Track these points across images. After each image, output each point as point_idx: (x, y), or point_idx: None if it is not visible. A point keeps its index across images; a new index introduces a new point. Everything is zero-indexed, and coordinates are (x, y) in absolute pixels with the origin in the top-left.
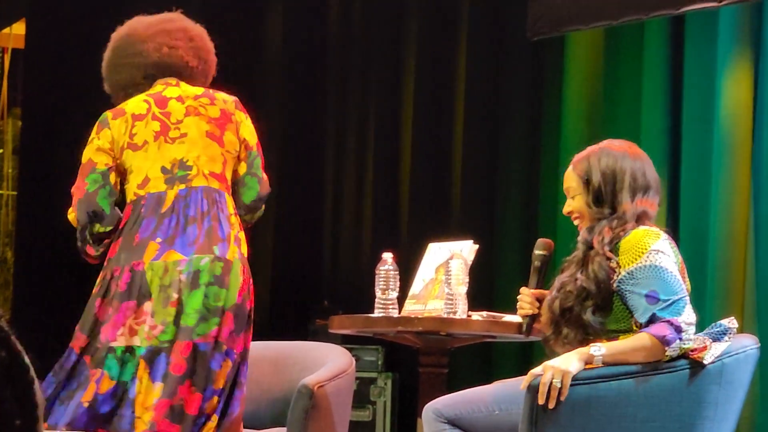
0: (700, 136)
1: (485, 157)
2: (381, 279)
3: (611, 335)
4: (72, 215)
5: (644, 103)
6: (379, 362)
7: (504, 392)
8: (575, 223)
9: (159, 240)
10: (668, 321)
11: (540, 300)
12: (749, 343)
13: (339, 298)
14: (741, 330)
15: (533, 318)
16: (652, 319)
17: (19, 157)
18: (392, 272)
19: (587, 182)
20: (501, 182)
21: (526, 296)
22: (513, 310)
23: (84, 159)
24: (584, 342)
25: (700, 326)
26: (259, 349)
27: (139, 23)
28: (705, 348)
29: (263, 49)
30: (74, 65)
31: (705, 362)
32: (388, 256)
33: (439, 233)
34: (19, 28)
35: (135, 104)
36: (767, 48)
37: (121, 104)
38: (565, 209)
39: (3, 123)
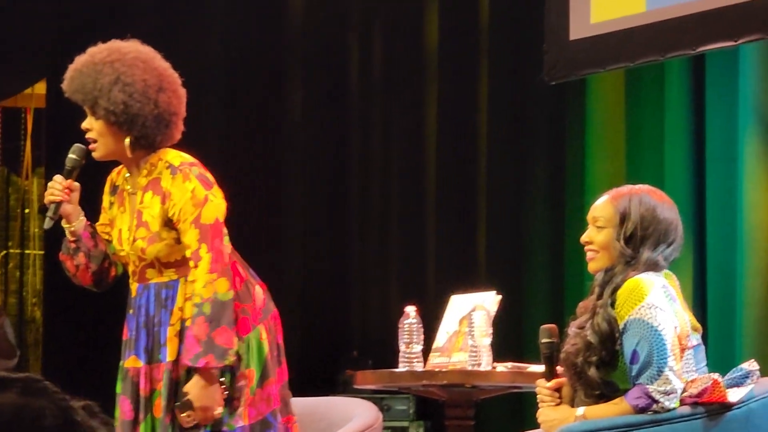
0: (724, 173)
1: (510, 204)
2: (405, 333)
3: (622, 395)
4: (225, 283)
5: (667, 143)
6: (411, 411)
7: None
8: (588, 255)
9: None
10: (642, 387)
11: (559, 390)
12: None
13: (368, 349)
14: None
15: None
16: (633, 381)
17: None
18: (416, 325)
19: (624, 218)
20: (526, 228)
21: (543, 390)
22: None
23: (210, 219)
24: (598, 401)
25: (727, 366)
26: None
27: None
28: (717, 384)
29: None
30: None
31: (731, 401)
32: (411, 309)
33: (466, 285)
34: (40, 88)
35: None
36: None
37: (189, 163)
38: (586, 238)
39: (28, 183)
